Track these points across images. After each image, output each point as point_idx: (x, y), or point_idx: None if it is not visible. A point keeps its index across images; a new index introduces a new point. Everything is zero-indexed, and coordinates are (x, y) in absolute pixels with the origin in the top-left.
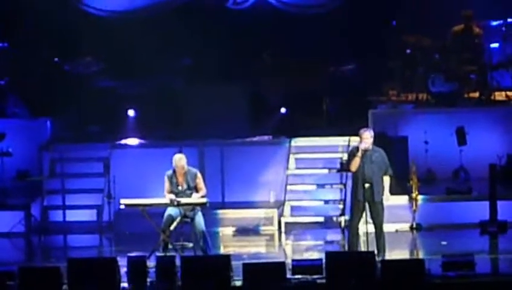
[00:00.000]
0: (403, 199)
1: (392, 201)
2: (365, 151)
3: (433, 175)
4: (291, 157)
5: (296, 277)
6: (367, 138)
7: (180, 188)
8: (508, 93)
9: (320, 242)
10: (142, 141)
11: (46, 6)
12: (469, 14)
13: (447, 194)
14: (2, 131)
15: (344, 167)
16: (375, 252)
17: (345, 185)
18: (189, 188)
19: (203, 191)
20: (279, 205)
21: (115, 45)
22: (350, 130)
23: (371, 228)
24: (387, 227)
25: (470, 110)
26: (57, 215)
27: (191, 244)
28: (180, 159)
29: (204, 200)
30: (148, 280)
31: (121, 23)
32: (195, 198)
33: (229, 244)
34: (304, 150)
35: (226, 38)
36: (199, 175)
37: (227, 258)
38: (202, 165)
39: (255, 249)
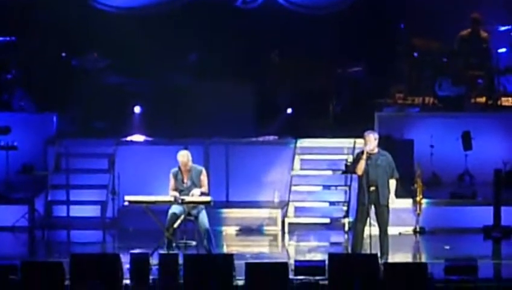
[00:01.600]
0: (407, 203)
1: (397, 204)
2: (370, 154)
3: (438, 179)
4: (297, 158)
5: (299, 277)
6: (371, 140)
7: (185, 185)
8: None
9: (324, 243)
10: (148, 138)
11: (55, 2)
12: (477, 17)
13: (451, 199)
14: (8, 125)
15: (349, 169)
16: (379, 254)
17: (349, 187)
18: (194, 185)
19: (205, 187)
20: (283, 205)
21: (122, 42)
22: (356, 132)
23: (375, 231)
24: (391, 230)
25: (476, 115)
26: (60, 211)
27: (194, 243)
28: (184, 156)
29: (208, 198)
30: (151, 277)
31: (128, 19)
32: (196, 194)
33: (232, 243)
34: (309, 151)
35: (233, 37)
36: (204, 172)
37: (230, 257)
38: (207, 163)
39: (258, 249)
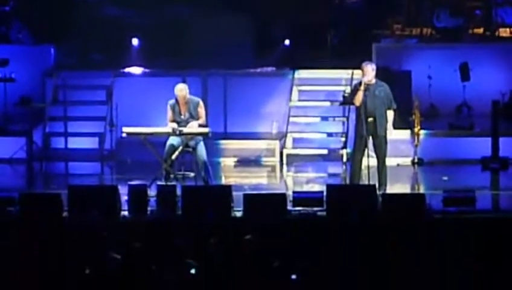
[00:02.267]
0: (405, 134)
1: (395, 135)
2: (368, 85)
3: (436, 110)
4: (294, 89)
5: (297, 208)
6: (369, 71)
7: (182, 117)
8: None
9: (322, 175)
10: (146, 70)
11: None
12: None
13: (450, 130)
14: (6, 57)
15: (347, 100)
16: (377, 185)
17: (347, 118)
18: (191, 116)
19: (202, 119)
20: (282, 136)
21: None
22: (354, 63)
23: (373, 162)
24: (389, 161)
25: (474, 46)
26: (58, 143)
27: (192, 174)
28: (182, 90)
29: (206, 130)
30: (149, 208)
31: None
32: (194, 126)
33: (230, 174)
34: (307, 82)
35: None
36: (201, 104)
37: (228, 188)
38: (205, 94)
39: (256, 180)
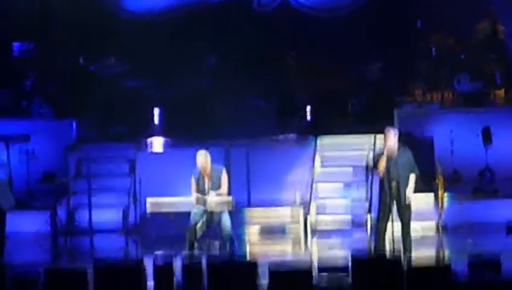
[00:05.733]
0: (429, 198)
1: (419, 200)
2: (391, 150)
3: (459, 175)
4: (317, 156)
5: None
6: (391, 137)
7: (206, 186)
8: None
9: (347, 241)
10: (168, 141)
11: (72, 7)
12: (493, 11)
13: (473, 194)
14: (27, 132)
15: (370, 165)
16: (402, 251)
17: (371, 183)
18: (215, 186)
19: (225, 188)
20: (305, 203)
21: (139, 46)
22: (376, 129)
23: (398, 226)
24: (413, 225)
25: (495, 110)
26: (83, 216)
27: (217, 244)
28: (202, 156)
29: (229, 199)
30: (175, 280)
31: (145, 24)
32: (215, 195)
33: (254, 243)
34: (330, 149)
35: (251, 39)
36: (224, 173)
37: (254, 265)
38: (228, 164)
39: (280, 248)
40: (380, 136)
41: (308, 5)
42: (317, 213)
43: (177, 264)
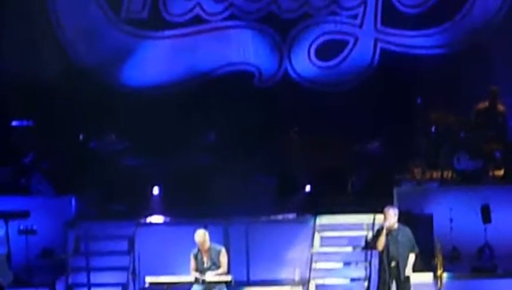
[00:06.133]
0: (428, 277)
1: (418, 279)
2: (390, 229)
3: (458, 253)
4: (316, 235)
5: None
6: (391, 215)
7: (205, 265)
8: None
9: None
10: (167, 219)
11: (71, 85)
12: (496, 90)
13: (472, 272)
14: (27, 209)
15: (369, 244)
16: None
17: (370, 262)
18: (214, 265)
19: (224, 267)
20: (304, 283)
21: (139, 122)
22: (375, 207)
23: None
24: None
25: (494, 188)
26: None
27: None
28: (200, 235)
29: (228, 277)
30: None
31: (145, 100)
32: (214, 275)
33: None
34: (329, 228)
35: (251, 115)
36: (223, 252)
37: None
38: (227, 242)
39: None
40: (379, 216)
41: (309, 78)
42: None
43: None
